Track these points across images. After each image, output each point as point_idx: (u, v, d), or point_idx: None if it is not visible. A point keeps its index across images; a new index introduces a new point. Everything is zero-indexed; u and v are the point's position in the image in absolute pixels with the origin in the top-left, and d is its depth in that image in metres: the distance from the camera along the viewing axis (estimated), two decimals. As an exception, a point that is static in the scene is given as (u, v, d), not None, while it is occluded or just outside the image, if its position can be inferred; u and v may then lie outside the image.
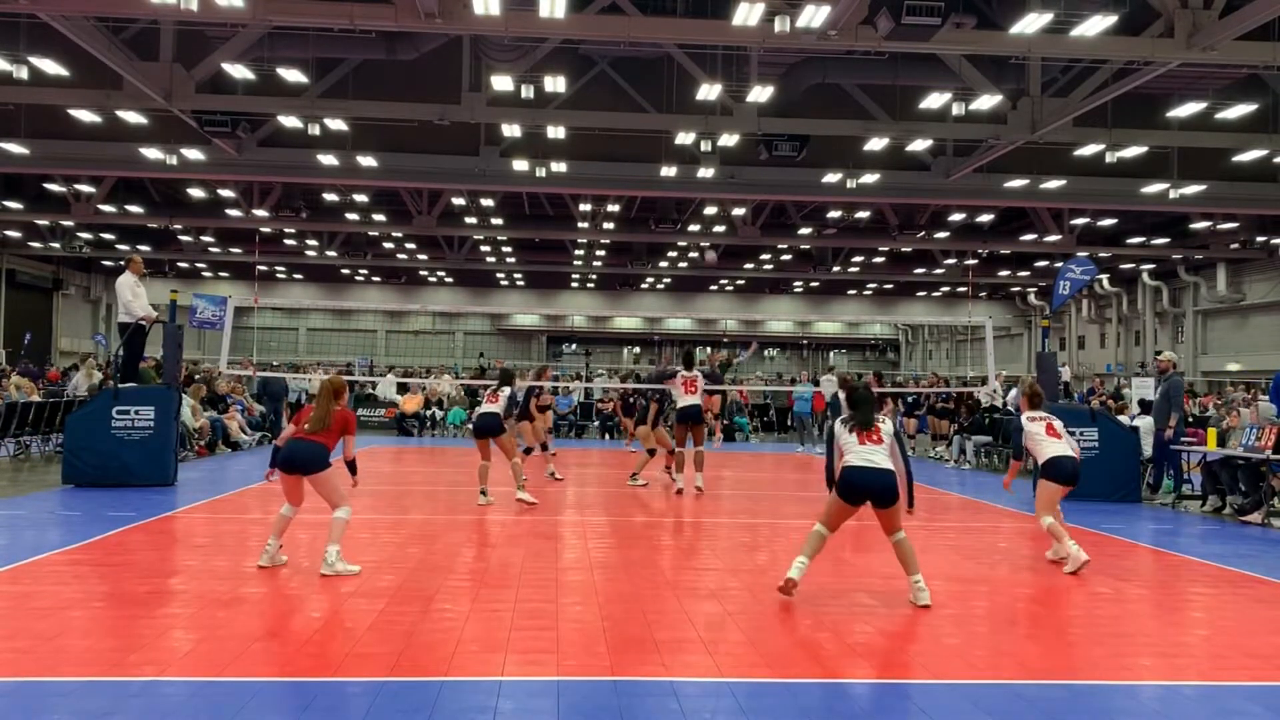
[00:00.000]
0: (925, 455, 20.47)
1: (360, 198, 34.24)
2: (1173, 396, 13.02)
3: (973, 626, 6.37)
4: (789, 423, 29.21)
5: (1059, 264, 27.16)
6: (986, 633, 6.26)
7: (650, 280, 55.11)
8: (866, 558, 8.65)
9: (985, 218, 35.63)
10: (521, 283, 56.38)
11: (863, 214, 34.77)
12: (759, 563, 8.39)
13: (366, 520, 10.20)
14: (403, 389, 25.93)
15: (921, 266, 46.74)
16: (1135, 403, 16.08)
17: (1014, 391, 21.50)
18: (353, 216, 35.55)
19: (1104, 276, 45.36)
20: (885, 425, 6.88)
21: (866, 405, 6.93)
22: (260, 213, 33.42)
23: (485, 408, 11.52)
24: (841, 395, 11.51)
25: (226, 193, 33.27)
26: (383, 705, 4.54)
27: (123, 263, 13.59)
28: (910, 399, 22.51)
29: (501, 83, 19.61)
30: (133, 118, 21.76)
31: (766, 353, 67.65)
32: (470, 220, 35.83)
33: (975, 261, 43.00)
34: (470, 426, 10.73)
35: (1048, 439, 8.40)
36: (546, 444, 14.64)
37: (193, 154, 24.66)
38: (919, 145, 24.21)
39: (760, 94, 20.08)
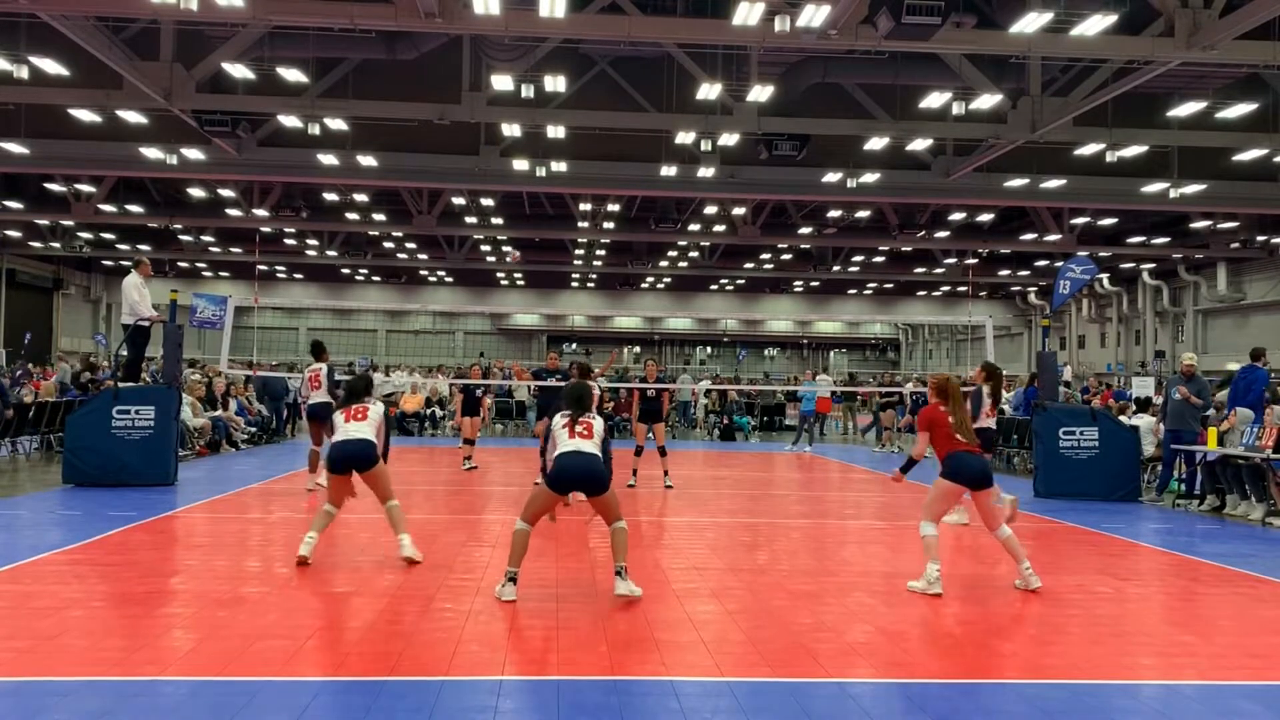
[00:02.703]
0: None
1: (360, 197, 34.26)
2: (1206, 396, 12.99)
3: (973, 626, 6.37)
4: (780, 422, 29.31)
5: (1059, 263, 27.20)
6: (986, 633, 6.26)
7: (650, 280, 55.13)
8: (867, 557, 8.65)
9: (985, 217, 35.64)
10: (521, 282, 56.40)
11: (863, 213, 34.78)
12: (759, 562, 8.40)
13: (367, 520, 10.20)
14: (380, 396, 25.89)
15: (921, 266, 46.75)
16: (1164, 399, 15.49)
17: (1016, 391, 21.57)
18: (353, 216, 35.57)
19: (1104, 276, 45.36)
20: (597, 422, 7.03)
21: (578, 402, 7.10)
22: (260, 212, 33.44)
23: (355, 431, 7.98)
24: (986, 390, 10.66)
25: (226, 192, 33.29)
26: (383, 705, 4.54)
27: (131, 263, 13.60)
28: (895, 398, 22.96)
29: (501, 82, 19.61)
30: (133, 117, 21.77)
31: (766, 352, 67.70)
32: (470, 220, 35.84)
33: (975, 261, 43.01)
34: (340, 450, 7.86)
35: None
36: None
37: (193, 154, 24.67)
38: (919, 145, 24.20)
39: (760, 93, 20.08)
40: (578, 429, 6.92)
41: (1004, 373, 13.43)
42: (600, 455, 6.87)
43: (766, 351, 67.80)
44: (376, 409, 8.25)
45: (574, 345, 58.08)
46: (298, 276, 56.96)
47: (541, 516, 7.04)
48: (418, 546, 7.88)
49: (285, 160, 26.17)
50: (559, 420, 7.06)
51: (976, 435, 10.36)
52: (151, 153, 24.31)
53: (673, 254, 45.89)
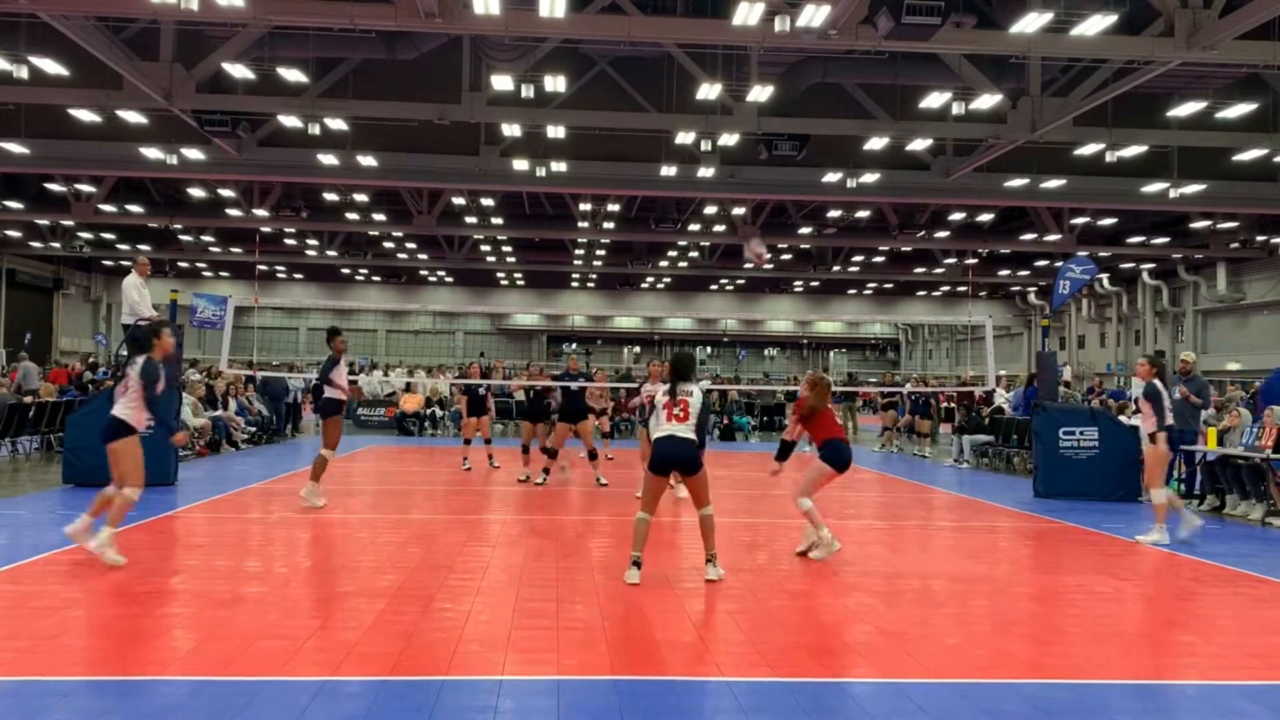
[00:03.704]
0: (911, 453, 20.75)
1: (360, 197, 34.26)
2: (1205, 396, 12.99)
3: (973, 626, 6.37)
4: (780, 422, 29.29)
5: (1059, 263, 27.17)
6: (986, 633, 6.26)
7: (650, 280, 55.13)
8: (867, 557, 8.65)
9: (985, 217, 35.64)
10: (521, 282, 56.41)
11: (863, 213, 34.78)
12: (759, 562, 8.40)
13: (366, 520, 10.22)
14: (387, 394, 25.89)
15: (921, 266, 46.74)
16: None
17: (1015, 391, 21.58)
18: (353, 216, 35.57)
19: (1104, 276, 45.38)
20: (694, 397, 7.29)
21: (678, 372, 7.43)
22: (260, 212, 33.44)
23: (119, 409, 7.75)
24: (1160, 385, 9.56)
25: (226, 192, 33.29)
26: (383, 705, 4.54)
27: (130, 263, 13.60)
28: (894, 397, 23.13)
29: (501, 82, 19.61)
30: (133, 118, 21.76)
31: (766, 352, 67.70)
32: (470, 220, 35.84)
33: (975, 261, 43.02)
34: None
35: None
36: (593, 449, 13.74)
37: (193, 154, 24.67)
38: (919, 145, 24.20)
39: (760, 93, 20.08)
40: (675, 410, 7.23)
41: (999, 373, 13.44)
42: (695, 439, 7.18)
43: (766, 351, 67.81)
44: (134, 371, 7.49)
45: (574, 345, 58.11)
46: (298, 276, 56.95)
47: (657, 501, 7.37)
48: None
49: (285, 160, 26.16)
50: (661, 397, 7.37)
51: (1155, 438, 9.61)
52: (151, 153, 24.30)
53: (673, 254, 45.88)
